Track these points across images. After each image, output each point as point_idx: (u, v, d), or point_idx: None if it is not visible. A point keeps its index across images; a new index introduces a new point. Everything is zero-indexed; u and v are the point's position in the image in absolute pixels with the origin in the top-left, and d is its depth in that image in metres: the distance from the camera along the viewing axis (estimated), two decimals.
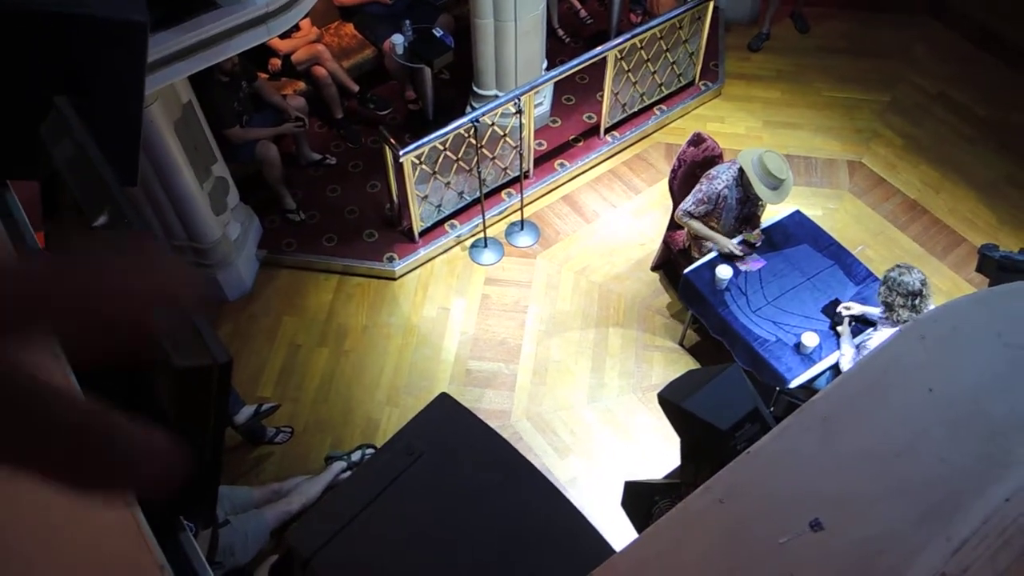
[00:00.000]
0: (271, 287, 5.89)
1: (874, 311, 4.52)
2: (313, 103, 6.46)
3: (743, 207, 4.94)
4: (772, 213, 5.26)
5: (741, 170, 4.78)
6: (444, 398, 1.80)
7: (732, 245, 4.93)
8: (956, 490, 1.31)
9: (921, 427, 1.40)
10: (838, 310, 4.65)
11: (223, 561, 4.02)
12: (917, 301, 4.10)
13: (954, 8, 7.43)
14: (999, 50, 7.13)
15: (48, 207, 1.77)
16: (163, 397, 1.57)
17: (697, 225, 4.98)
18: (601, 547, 1.60)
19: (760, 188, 4.68)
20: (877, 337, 4.33)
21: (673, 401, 2.76)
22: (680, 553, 1.37)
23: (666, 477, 3.67)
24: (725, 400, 2.63)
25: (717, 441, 2.62)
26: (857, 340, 4.51)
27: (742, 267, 4.87)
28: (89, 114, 1.76)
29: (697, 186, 4.94)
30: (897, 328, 3.98)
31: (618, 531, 4.73)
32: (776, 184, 4.69)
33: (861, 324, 4.61)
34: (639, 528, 3.24)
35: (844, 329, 4.53)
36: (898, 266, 4.23)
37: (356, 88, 6.63)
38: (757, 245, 4.96)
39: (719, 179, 4.84)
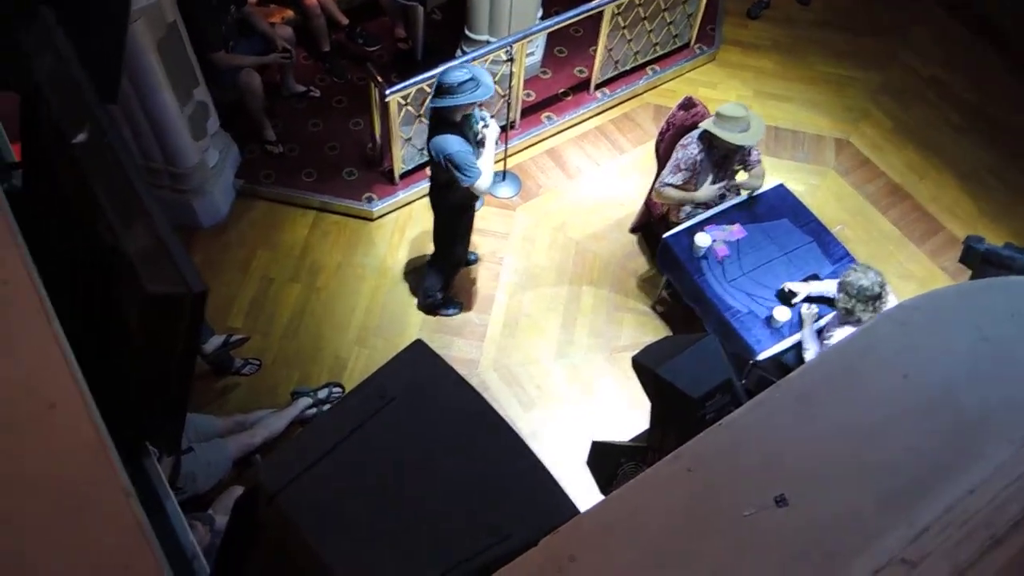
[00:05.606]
0: (247, 218, 5.81)
1: (830, 287, 4.50)
2: (300, 33, 6.31)
3: (720, 170, 4.94)
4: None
5: (705, 132, 4.79)
6: (419, 345, 1.79)
7: (712, 190, 4.96)
8: (921, 477, 1.32)
9: (893, 412, 1.41)
10: (793, 302, 4.58)
11: (184, 487, 4.03)
12: (877, 303, 4.06)
13: None
14: (996, 40, 7.12)
15: (27, 120, 1.72)
16: (132, 321, 1.54)
17: (676, 194, 4.99)
18: (565, 504, 1.62)
19: (730, 135, 4.69)
20: (838, 335, 4.27)
21: (647, 366, 2.78)
22: (645, 517, 1.38)
23: (633, 440, 3.71)
24: (699, 369, 2.65)
25: (687, 409, 2.64)
26: (811, 328, 4.50)
27: (722, 236, 4.87)
28: (73, 28, 1.70)
29: (673, 156, 4.95)
30: (857, 328, 3.91)
31: (578, 488, 4.80)
32: (743, 126, 4.70)
33: (823, 304, 4.58)
34: (603, 487, 3.28)
35: (806, 331, 4.46)
36: (854, 269, 4.16)
37: (346, 21, 6.49)
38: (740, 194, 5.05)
39: (692, 145, 4.87)
